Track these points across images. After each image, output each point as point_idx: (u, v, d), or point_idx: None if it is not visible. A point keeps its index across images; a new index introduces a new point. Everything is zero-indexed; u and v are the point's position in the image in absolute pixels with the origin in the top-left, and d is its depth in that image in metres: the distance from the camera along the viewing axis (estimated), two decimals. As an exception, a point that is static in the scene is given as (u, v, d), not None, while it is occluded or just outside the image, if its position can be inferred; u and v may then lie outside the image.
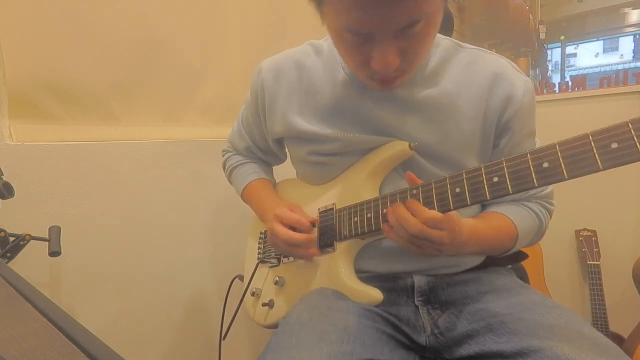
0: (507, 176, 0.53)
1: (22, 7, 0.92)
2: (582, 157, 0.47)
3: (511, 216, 0.72)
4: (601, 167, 0.46)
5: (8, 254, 0.79)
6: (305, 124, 0.75)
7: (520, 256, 0.82)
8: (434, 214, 0.58)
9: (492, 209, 0.75)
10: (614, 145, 0.45)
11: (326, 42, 0.79)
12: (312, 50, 0.79)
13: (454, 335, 0.66)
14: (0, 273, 0.49)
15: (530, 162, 0.51)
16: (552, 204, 0.78)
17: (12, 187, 0.77)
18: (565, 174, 0.48)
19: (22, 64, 0.93)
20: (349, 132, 0.73)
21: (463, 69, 0.72)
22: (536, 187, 0.51)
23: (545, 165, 0.50)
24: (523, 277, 0.82)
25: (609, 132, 0.46)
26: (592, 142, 0.47)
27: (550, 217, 0.78)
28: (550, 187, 0.77)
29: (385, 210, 0.65)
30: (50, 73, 0.98)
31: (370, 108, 0.72)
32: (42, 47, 0.96)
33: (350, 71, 0.73)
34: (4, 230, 0.79)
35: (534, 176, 0.51)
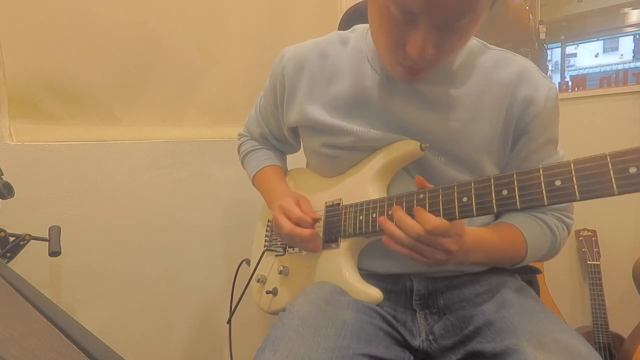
0: (516, 190, 0.51)
1: (22, 7, 0.92)
2: (597, 179, 0.45)
3: (522, 229, 0.69)
4: (616, 192, 0.43)
5: (8, 254, 0.79)
6: (323, 113, 0.74)
7: (529, 270, 0.80)
8: (441, 221, 0.57)
9: (505, 220, 0.73)
10: (633, 170, 0.42)
11: (352, 34, 0.77)
12: (337, 40, 0.77)
13: (447, 343, 0.66)
14: (0, 273, 0.49)
15: (542, 179, 0.49)
16: (570, 218, 0.74)
17: (12, 187, 0.77)
18: (578, 195, 0.46)
19: (22, 64, 0.93)
20: (365, 126, 0.72)
21: (488, 71, 0.70)
22: (545, 205, 0.49)
23: (558, 183, 0.48)
24: (532, 282, 0.81)
25: (628, 155, 0.43)
26: (610, 164, 0.44)
27: (569, 231, 0.75)
28: None
29: (379, 219, 0.63)
30: (50, 73, 0.98)
31: (391, 103, 0.70)
32: (42, 47, 0.96)
33: (377, 65, 0.72)
34: (4, 230, 0.79)
35: (544, 194, 0.49)
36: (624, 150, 0.43)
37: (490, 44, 0.73)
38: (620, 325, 1.54)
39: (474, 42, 0.72)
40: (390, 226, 0.61)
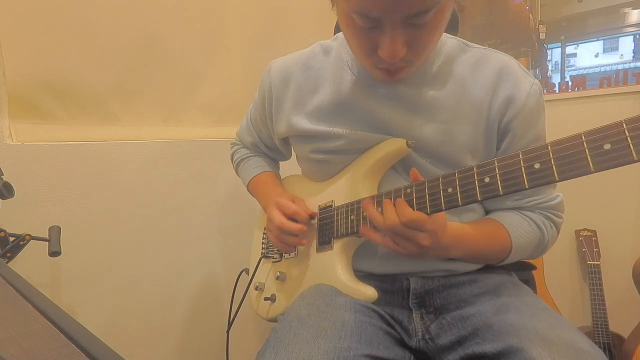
0: (498, 177, 0.52)
1: (22, 7, 0.92)
2: (573, 158, 0.46)
3: (507, 226, 0.70)
4: (592, 169, 0.44)
5: (8, 254, 0.79)
6: (309, 124, 0.76)
7: (525, 266, 0.80)
8: (418, 215, 0.58)
9: (491, 216, 0.74)
10: (607, 147, 0.43)
11: (335, 42, 0.79)
12: (320, 51, 0.79)
13: (444, 342, 0.66)
14: (0, 273, 0.49)
15: (522, 163, 0.50)
16: (559, 216, 0.74)
17: (12, 187, 0.77)
18: (556, 176, 0.47)
19: (22, 64, 0.93)
20: (353, 129, 0.73)
21: (469, 70, 0.70)
22: (526, 189, 0.50)
23: (537, 166, 0.48)
24: (529, 281, 0.81)
25: (602, 132, 0.44)
26: (585, 143, 0.45)
27: (558, 230, 0.74)
28: (559, 198, 0.73)
29: (363, 202, 0.65)
30: (50, 73, 0.98)
31: (376, 107, 0.71)
32: (42, 47, 0.96)
33: (357, 70, 0.73)
34: (4, 230, 0.79)
35: (524, 177, 0.49)
36: (598, 127, 0.44)
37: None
38: (620, 325, 1.54)
39: (453, 41, 0.72)
40: (372, 212, 0.63)
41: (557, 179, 0.47)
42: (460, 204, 0.56)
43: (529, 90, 0.68)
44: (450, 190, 0.57)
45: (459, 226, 0.67)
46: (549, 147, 0.48)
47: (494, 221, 0.71)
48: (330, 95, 0.74)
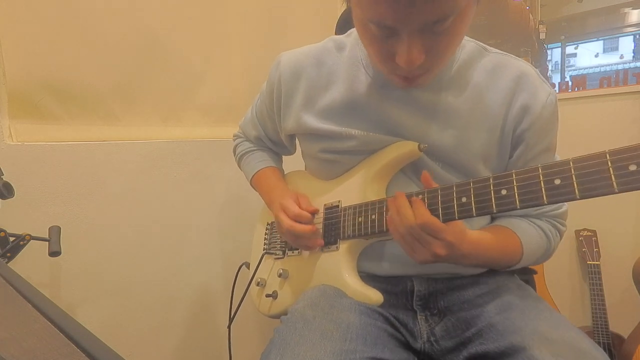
0: (515, 190, 0.51)
1: (22, 7, 0.92)
2: (597, 177, 0.44)
3: (519, 234, 0.69)
4: (617, 190, 0.43)
5: (8, 254, 0.79)
6: (319, 123, 0.74)
7: (526, 270, 0.80)
8: (434, 221, 0.57)
9: (501, 223, 0.73)
10: (633, 168, 0.42)
11: (348, 39, 0.76)
12: (333, 47, 0.77)
13: (448, 345, 0.66)
14: (0, 273, 0.49)
15: (542, 178, 0.49)
16: (563, 225, 0.74)
17: (12, 187, 0.77)
18: (577, 194, 0.46)
19: (22, 64, 0.93)
20: (366, 130, 0.71)
21: (486, 75, 0.69)
22: (545, 205, 0.48)
23: (557, 182, 0.47)
24: (529, 281, 0.81)
25: (628, 152, 0.43)
26: (609, 162, 0.43)
27: (561, 238, 0.75)
28: (565, 207, 0.73)
29: (396, 193, 0.64)
30: (50, 73, 0.98)
31: (390, 109, 0.70)
32: (42, 47, 0.96)
33: (372, 71, 0.71)
34: (4, 230, 0.79)
35: (544, 192, 0.48)
36: (623, 147, 0.43)
37: (490, 44, 0.73)
38: (620, 325, 1.54)
39: (472, 45, 0.71)
40: (394, 207, 0.61)
41: (578, 196, 0.46)
42: (474, 214, 0.54)
43: (546, 101, 0.67)
44: (464, 199, 0.55)
45: (478, 235, 0.65)
46: (571, 163, 0.46)
47: (506, 229, 0.71)
48: (342, 94, 0.73)
